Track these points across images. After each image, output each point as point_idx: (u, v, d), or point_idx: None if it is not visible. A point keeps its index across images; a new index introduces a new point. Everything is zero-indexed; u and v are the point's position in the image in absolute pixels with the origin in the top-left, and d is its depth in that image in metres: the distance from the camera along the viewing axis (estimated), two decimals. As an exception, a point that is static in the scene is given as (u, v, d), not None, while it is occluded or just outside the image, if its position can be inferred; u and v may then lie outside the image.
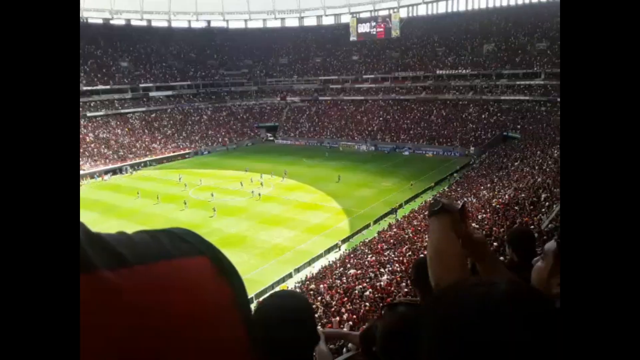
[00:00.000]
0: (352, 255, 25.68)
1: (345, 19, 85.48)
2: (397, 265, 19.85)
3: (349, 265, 23.18)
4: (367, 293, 17.24)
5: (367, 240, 28.16)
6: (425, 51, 72.93)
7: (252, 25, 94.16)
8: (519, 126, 53.03)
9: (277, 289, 22.23)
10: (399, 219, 31.16)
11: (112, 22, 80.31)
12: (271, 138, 70.40)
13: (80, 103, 61.75)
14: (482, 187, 32.42)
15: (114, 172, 51.63)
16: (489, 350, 0.49)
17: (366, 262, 22.39)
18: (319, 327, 2.36)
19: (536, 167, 31.26)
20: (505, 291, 0.54)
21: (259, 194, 38.93)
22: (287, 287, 22.34)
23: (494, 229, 19.15)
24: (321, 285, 20.66)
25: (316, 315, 16.37)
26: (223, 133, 69.08)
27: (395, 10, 78.16)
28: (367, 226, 31.53)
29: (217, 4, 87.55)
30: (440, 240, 1.41)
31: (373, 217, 32.89)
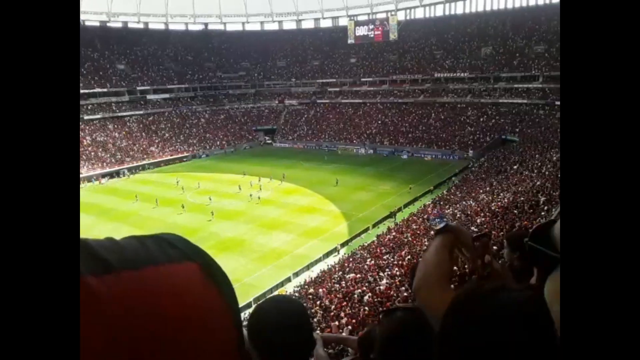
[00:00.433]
0: (351, 259, 25.55)
1: (343, 21, 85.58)
2: (396, 269, 19.72)
3: (347, 269, 23.05)
4: (367, 297, 17.10)
5: (366, 244, 28.02)
6: (423, 54, 73.02)
7: (249, 27, 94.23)
8: (517, 129, 53.05)
9: (275, 293, 22.07)
10: (398, 223, 31.05)
11: (109, 24, 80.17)
12: (269, 141, 70.26)
13: (78, 106, 61.44)
14: (481, 191, 32.35)
15: (111, 175, 51.43)
16: (506, 352, 0.48)
17: (365, 266, 22.25)
18: (317, 332, 2.28)
19: (535, 171, 31.22)
20: (524, 298, 0.54)
21: (259, 197, 38.80)
22: (286, 292, 22.18)
23: (493, 232, 19.03)
24: (320, 290, 20.52)
25: (315, 320, 16.23)
26: (221, 136, 68.94)
27: (393, 13, 78.24)
28: (366, 230, 31.41)
29: (214, 6, 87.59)
30: (432, 256, 1.46)
31: (372, 220, 32.77)
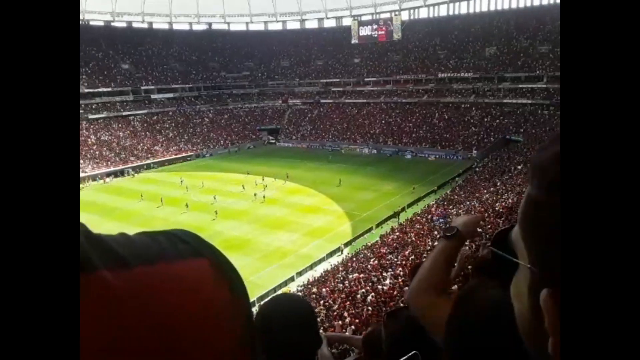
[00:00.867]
0: (354, 259, 25.56)
1: (347, 21, 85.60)
2: (399, 269, 19.71)
3: (351, 269, 23.06)
4: (370, 297, 17.10)
5: (369, 244, 28.02)
6: (427, 54, 72.91)
7: (253, 27, 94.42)
8: (521, 130, 52.91)
9: (279, 292, 22.11)
10: (402, 223, 31.03)
11: (113, 24, 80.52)
12: (273, 141, 70.32)
13: (82, 105, 61.79)
14: (485, 191, 32.29)
15: (115, 174, 51.60)
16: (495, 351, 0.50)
17: (369, 266, 22.26)
18: (321, 331, 2.29)
19: (539, 171, 31.11)
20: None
21: (264, 196, 38.88)
22: (290, 291, 22.21)
23: (498, 233, 18.99)
24: (323, 289, 20.54)
25: (318, 319, 16.22)
26: (225, 136, 69.07)
27: (397, 13, 78.20)
28: (370, 230, 31.40)
29: (218, 6, 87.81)
30: (429, 262, 1.45)
31: (375, 220, 32.76)
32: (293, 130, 72.26)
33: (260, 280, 24.21)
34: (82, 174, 47.71)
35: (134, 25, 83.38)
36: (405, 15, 79.82)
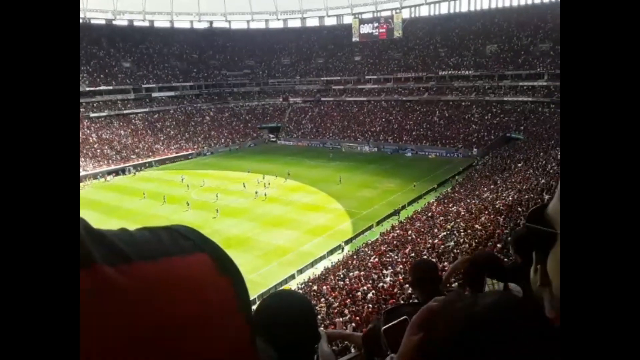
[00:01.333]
0: (354, 257, 25.61)
1: (348, 19, 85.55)
2: (400, 266, 19.76)
3: (351, 267, 23.11)
4: (370, 295, 17.16)
5: (370, 242, 28.07)
6: (428, 52, 72.84)
7: (254, 25, 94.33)
8: (522, 127, 52.89)
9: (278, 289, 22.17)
10: (402, 221, 31.07)
11: (114, 22, 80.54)
12: (273, 139, 70.38)
13: (83, 104, 61.86)
14: (485, 189, 32.30)
15: (116, 173, 51.66)
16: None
17: (369, 264, 22.30)
18: (321, 328, 2.34)
19: (540, 169, 31.13)
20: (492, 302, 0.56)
21: (265, 194, 38.96)
22: (290, 288, 22.27)
23: (498, 231, 19.06)
24: (324, 287, 20.60)
25: (319, 317, 16.31)
26: (226, 134, 69.11)
27: (398, 10, 78.13)
28: (370, 227, 31.46)
29: (219, 4, 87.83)
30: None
31: (376, 218, 32.81)
32: (294, 128, 72.28)
33: (261, 277, 24.28)
34: (83, 173, 47.82)
35: (135, 23, 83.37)
36: (406, 13, 79.81)
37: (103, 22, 78.88)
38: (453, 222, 24.57)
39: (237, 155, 59.49)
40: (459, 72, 66.04)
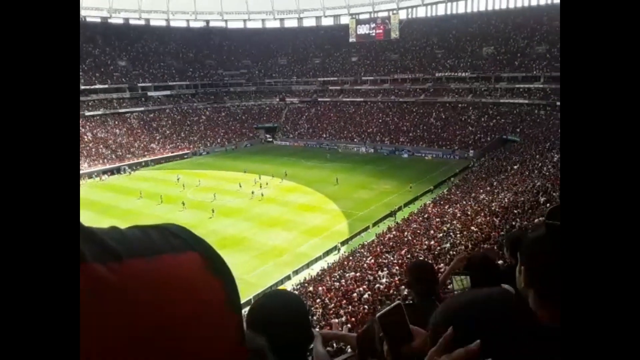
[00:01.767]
0: (350, 258, 25.59)
1: (345, 20, 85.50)
2: (396, 268, 19.75)
3: (347, 268, 23.08)
4: (366, 296, 17.14)
5: (366, 243, 28.06)
6: (425, 53, 72.93)
7: (250, 25, 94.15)
8: (518, 129, 53.02)
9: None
10: (398, 222, 31.08)
11: (110, 20, 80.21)
12: (270, 139, 70.27)
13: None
14: (481, 191, 32.36)
15: (112, 172, 51.43)
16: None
17: (365, 265, 22.29)
18: (317, 329, 2.31)
19: (535, 171, 31.22)
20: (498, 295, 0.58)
21: (262, 194, 38.89)
22: (285, 289, 22.22)
23: (493, 233, 19.07)
24: (320, 288, 20.56)
25: (314, 318, 16.27)
26: (222, 134, 68.94)
27: (395, 11, 78.18)
28: (366, 229, 31.44)
29: (215, 3, 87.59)
30: None
31: (372, 219, 32.80)
32: (290, 128, 72.20)
33: (257, 278, 24.22)
34: (79, 169, 47.48)
35: (131, 22, 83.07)
36: (403, 14, 79.84)
37: (99, 20, 78.52)
38: (449, 224, 24.59)
39: (233, 155, 59.35)
40: (456, 74, 66.13)
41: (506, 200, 25.18)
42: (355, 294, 17.88)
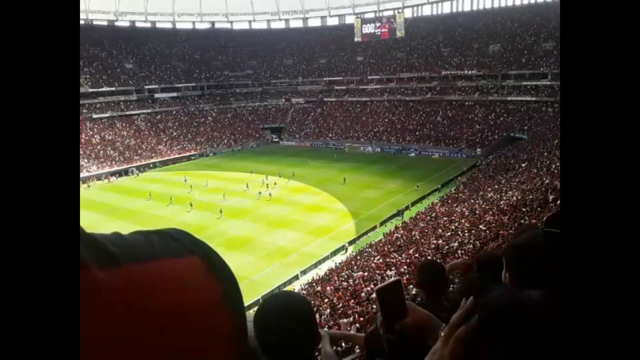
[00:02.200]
0: (358, 257, 25.52)
1: (350, 19, 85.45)
2: (404, 267, 19.68)
3: (355, 268, 23.02)
4: (374, 295, 17.06)
5: (373, 242, 27.98)
6: (431, 52, 72.69)
7: (256, 26, 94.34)
8: (526, 127, 52.70)
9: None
10: (406, 221, 30.97)
11: (116, 23, 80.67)
12: (276, 139, 70.35)
13: (86, 105, 61.99)
14: (489, 189, 32.16)
15: (119, 174, 51.71)
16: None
17: (373, 264, 22.22)
18: (325, 329, 2.29)
19: (544, 169, 30.98)
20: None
21: (270, 194, 38.95)
22: (293, 289, 22.19)
23: (502, 231, 18.93)
24: (327, 288, 20.52)
25: (323, 318, 16.24)
26: (228, 134, 69.11)
27: (400, 10, 77.99)
28: (374, 228, 31.36)
29: (221, 5, 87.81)
30: None
31: (379, 218, 32.71)
32: (296, 128, 72.23)
33: (264, 278, 24.22)
34: (86, 174, 47.92)
35: (137, 24, 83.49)
36: (408, 13, 79.67)
37: (105, 23, 79.03)
38: (457, 223, 24.46)
39: (240, 156, 59.47)
40: (462, 72, 65.84)
41: (514, 199, 24.98)
42: (363, 294, 17.83)
